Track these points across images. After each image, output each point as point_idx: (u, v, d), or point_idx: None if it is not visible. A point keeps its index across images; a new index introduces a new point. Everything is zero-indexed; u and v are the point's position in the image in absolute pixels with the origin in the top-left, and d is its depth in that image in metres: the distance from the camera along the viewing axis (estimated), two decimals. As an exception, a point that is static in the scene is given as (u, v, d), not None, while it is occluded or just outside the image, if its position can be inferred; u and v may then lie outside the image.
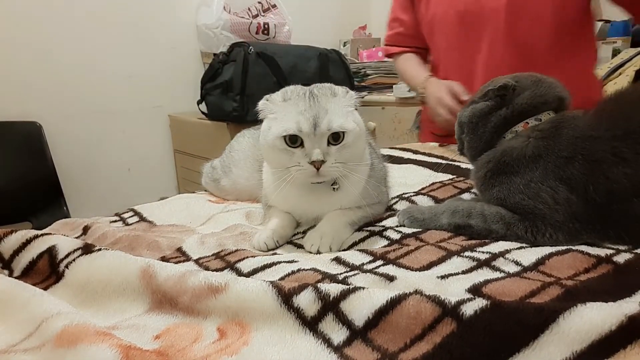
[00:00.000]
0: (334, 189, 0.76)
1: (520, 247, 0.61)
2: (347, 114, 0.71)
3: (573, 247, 0.59)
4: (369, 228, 0.79)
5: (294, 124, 0.68)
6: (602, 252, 0.58)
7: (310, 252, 0.72)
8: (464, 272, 0.58)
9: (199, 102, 2.02)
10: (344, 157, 0.70)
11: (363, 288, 0.49)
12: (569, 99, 0.75)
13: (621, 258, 0.56)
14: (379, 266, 0.62)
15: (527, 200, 0.65)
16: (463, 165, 1.04)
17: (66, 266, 0.63)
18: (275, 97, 0.73)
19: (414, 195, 0.90)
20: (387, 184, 0.89)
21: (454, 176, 1.01)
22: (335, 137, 0.69)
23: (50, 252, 0.66)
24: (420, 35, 1.37)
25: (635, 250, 0.59)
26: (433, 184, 0.97)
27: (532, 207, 0.65)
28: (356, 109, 0.75)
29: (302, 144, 0.69)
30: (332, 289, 0.50)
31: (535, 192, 0.65)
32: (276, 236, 0.76)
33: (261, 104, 0.74)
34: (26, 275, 0.66)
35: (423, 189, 0.95)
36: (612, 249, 0.60)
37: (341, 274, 0.60)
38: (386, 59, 2.69)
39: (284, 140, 0.68)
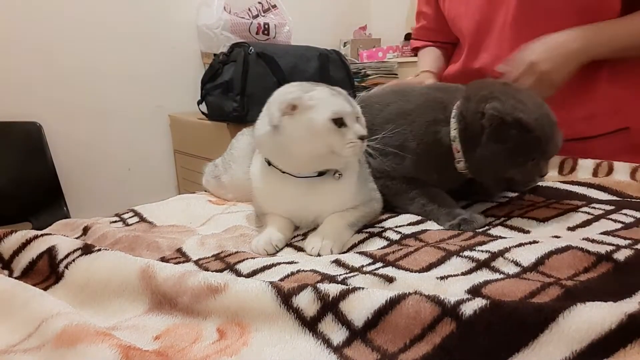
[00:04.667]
0: (338, 176, 0.77)
1: (519, 245, 0.61)
2: None
3: (572, 245, 0.59)
4: (368, 229, 0.79)
5: (339, 105, 0.72)
6: (602, 248, 0.58)
7: (311, 255, 0.72)
8: (463, 274, 0.58)
9: (199, 102, 2.02)
10: (365, 133, 0.75)
11: (362, 288, 0.49)
12: None
13: (621, 255, 0.56)
14: (379, 268, 0.62)
15: None
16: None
17: (66, 266, 0.63)
18: (294, 92, 0.73)
19: None
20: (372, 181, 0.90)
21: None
22: (357, 119, 0.75)
23: (50, 252, 0.66)
24: (444, 28, 1.28)
25: (635, 246, 0.59)
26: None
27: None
28: None
29: (343, 124, 0.72)
30: (332, 289, 0.50)
31: None
32: (275, 241, 0.76)
33: (294, 100, 0.72)
34: (26, 275, 0.66)
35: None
36: (612, 245, 0.60)
37: (340, 275, 0.60)
38: (386, 60, 2.70)
39: (333, 122, 0.71)
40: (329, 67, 2.06)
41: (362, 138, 0.72)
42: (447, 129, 0.79)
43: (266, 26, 2.24)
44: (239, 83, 1.85)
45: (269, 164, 0.79)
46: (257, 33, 2.22)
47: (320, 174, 0.77)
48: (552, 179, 0.99)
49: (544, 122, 0.73)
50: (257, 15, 2.29)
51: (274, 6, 2.33)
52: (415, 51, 1.47)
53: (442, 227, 0.79)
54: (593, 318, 0.41)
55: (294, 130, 0.72)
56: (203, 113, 2.02)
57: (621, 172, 0.96)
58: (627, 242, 0.61)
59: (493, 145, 0.74)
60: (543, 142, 0.73)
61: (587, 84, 1.03)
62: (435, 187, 0.84)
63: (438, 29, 1.32)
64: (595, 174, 0.98)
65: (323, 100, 0.72)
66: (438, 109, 0.82)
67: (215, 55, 2.03)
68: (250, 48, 1.87)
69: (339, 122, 0.71)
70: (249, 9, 2.30)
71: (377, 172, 0.87)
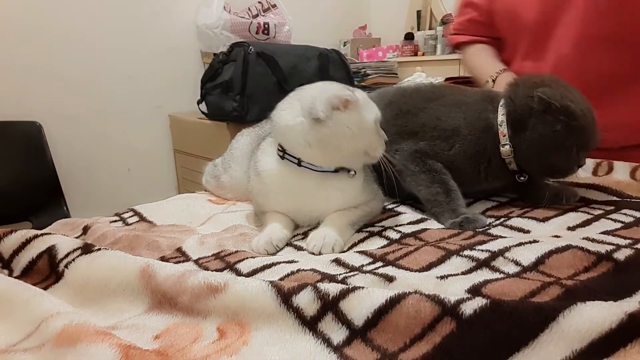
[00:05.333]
0: (352, 175, 0.80)
1: (519, 244, 0.61)
2: None
3: (572, 244, 0.59)
4: (368, 228, 0.79)
5: (377, 110, 0.78)
6: (602, 248, 0.58)
7: (313, 254, 0.72)
8: (463, 273, 0.58)
9: (199, 102, 2.02)
10: None
11: (362, 287, 0.49)
12: None
13: (621, 254, 0.56)
14: (379, 267, 0.62)
15: None
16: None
17: (66, 266, 0.63)
18: (344, 89, 0.76)
19: None
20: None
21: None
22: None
23: (50, 251, 0.66)
24: (495, 22, 1.18)
25: (635, 246, 0.59)
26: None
27: None
28: None
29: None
30: (332, 288, 0.50)
31: None
32: (275, 240, 0.76)
33: (350, 96, 0.74)
34: (26, 275, 0.66)
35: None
36: (612, 244, 0.60)
37: (340, 274, 0.60)
38: (386, 59, 2.70)
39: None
40: (329, 67, 2.06)
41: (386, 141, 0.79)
42: (495, 116, 0.83)
43: (266, 26, 2.24)
44: (238, 83, 1.84)
45: (283, 156, 0.79)
46: (257, 33, 2.22)
47: (336, 170, 0.79)
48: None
49: (589, 115, 0.77)
50: (257, 15, 2.29)
51: (274, 6, 2.33)
52: (457, 47, 1.34)
53: (442, 226, 0.79)
54: (593, 317, 0.41)
55: (343, 125, 0.74)
56: (203, 113, 2.02)
57: (621, 171, 0.96)
58: (627, 241, 0.61)
59: (541, 128, 0.77)
60: (587, 132, 0.77)
61: (622, 93, 1.00)
62: (458, 185, 0.85)
63: (489, 22, 1.20)
64: (595, 172, 0.98)
65: (366, 102, 0.78)
66: (488, 100, 0.87)
67: (215, 54, 2.03)
68: (250, 48, 1.87)
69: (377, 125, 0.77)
70: (249, 9, 2.30)
71: (414, 151, 0.87)
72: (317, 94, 0.76)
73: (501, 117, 0.82)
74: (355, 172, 0.80)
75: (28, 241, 0.68)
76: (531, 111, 0.78)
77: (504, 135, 0.82)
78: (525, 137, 0.79)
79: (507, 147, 0.82)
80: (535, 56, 1.11)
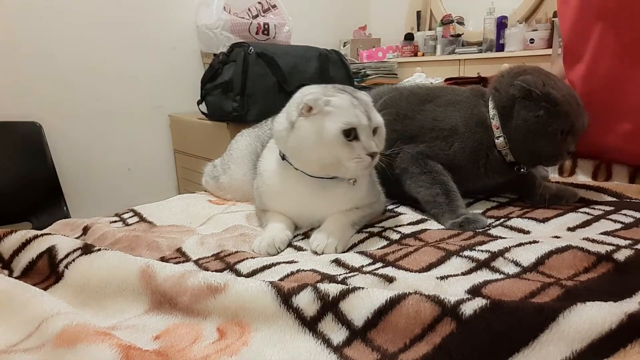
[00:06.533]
0: (353, 183, 0.77)
1: (519, 245, 0.61)
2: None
3: (572, 244, 0.59)
4: (368, 229, 0.79)
5: (354, 117, 0.69)
6: (602, 248, 0.58)
7: (316, 253, 0.72)
8: (463, 273, 0.58)
9: (199, 102, 2.02)
10: (381, 148, 0.73)
11: (362, 288, 0.49)
12: None
13: (621, 255, 0.56)
14: (379, 268, 0.62)
15: None
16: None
17: (66, 266, 0.63)
18: (317, 94, 0.71)
19: None
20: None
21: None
22: (375, 131, 0.72)
23: (50, 252, 0.66)
24: None
25: (635, 246, 0.59)
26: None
27: None
28: None
29: (355, 137, 0.69)
30: (332, 288, 0.50)
31: None
32: (278, 242, 0.75)
33: (310, 102, 0.70)
34: (26, 275, 0.66)
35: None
36: (612, 245, 0.60)
37: (340, 275, 0.60)
38: (386, 59, 2.70)
39: (343, 134, 0.69)
40: (328, 67, 2.06)
41: (372, 155, 0.70)
42: (487, 109, 0.85)
43: (266, 26, 2.24)
44: (238, 83, 1.84)
45: (283, 158, 0.78)
46: (257, 33, 2.22)
47: (334, 175, 0.76)
48: (552, 180, 0.99)
49: (571, 100, 0.79)
50: (257, 15, 2.29)
51: (274, 6, 2.33)
52: None
53: (442, 227, 0.79)
54: (593, 318, 0.41)
55: (305, 133, 0.71)
56: (203, 113, 2.01)
57: (620, 175, 0.96)
58: (627, 242, 0.61)
59: (524, 114, 0.80)
60: (571, 117, 0.78)
61: None
62: (459, 184, 0.85)
63: None
64: (594, 177, 0.98)
65: (340, 109, 0.70)
66: (479, 95, 0.89)
67: (215, 55, 2.03)
68: (250, 48, 1.87)
69: (351, 134, 0.69)
70: (249, 9, 2.30)
71: (416, 153, 0.87)
72: (294, 97, 0.75)
73: (492, 110, 0.84)
74: (355, 180, 0.77)
75: (28, 241, 0.68)
76: (514, 99, 0.81)
77: (497, 128, 0.83)
78: (511, 125, 0.82)
79: (502, 139, 0.83)
80: None
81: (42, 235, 0.70)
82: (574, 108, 0.79)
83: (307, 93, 0.73)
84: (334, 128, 0.69)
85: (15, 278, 0.64)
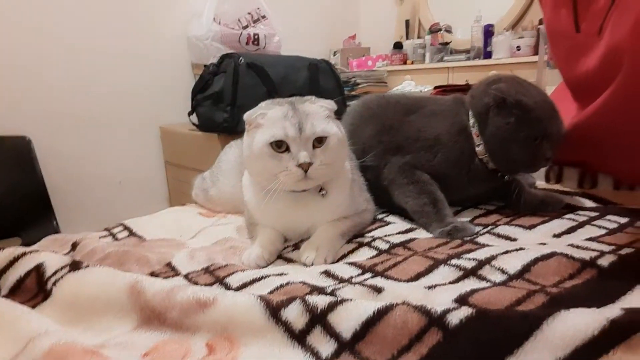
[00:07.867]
0: (322, 194, 0.77)
1: (506, 252, 0.62)
2: (328, 120, 0.74)
3: (557, 251, 0.60)
4: (357, 239, 0.80)
5: (281, 129, 0.70)
6: (586, 254, 0.59)
7: (305, 265, 0.72)
8: (451, 282, 0.58)
9: (189, 114, 2.02)
10: (329, 159, 0.72)
11: (350, 300, 0.50)
12: None
13: (605, 261, 0.57)
14: (368, 278, 0.62)
15: None
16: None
17: (54, 283, 0.62)
18: (257, 109, 0.74)
19: None
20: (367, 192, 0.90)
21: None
22: (319, 141, 0.72)
23: (38, 269, 0.65)
24: None
25: (619, 252, 0.60)
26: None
27: None
28: (338, 118, 0.78)
29: (287, 149, 0.70)
30: (320, 301, 0.50)
31: None
32: (266, 254, 0.75)
33: (246, 117, 0.75)
34: (14, 293, 0.65)
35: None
36: (597, 250, 0.60)
37: (330, 286, 0.60)
38: (376, 68, 2.73)
39: (271, 147, 0.70)
40: (319, 77, 2.07)
41: (303, 166, 0.68)
42: (468, 118, 0.86)
43: (256, 36, 2.26)
44: (229, 94, 1.85)
45: None
46: (247, 43, 2.23)
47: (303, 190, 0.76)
48: (539, 187, 1.00)
49: (544, 106, 0.81)
50: (247, 26, 2.30)
51: (264, 17, 2.34)
52: None
53: (430, 235, 0.79)
54: (577, 325, 0.41)
55: (245, 146, 0.75)
56: (194, 124, 2.02)
57: (604, 183, 0.97)
58: (611, 247, 0.62)
59: (497, 121, 0.81)
60: (543, 122, 0.80)
61: None
62: (446, 193, 0.86)
63: None
64: (580, 185, 1.00)
65: (271, 121, 0.71)
66: (460, 103, 0.90)
67: (205, 66, 2.04)
68: (240, 58, 1.87)
69: (282, 146, 0.70)
70: (239, 20, 2.31)
71: (403, 163, 0.88)
72: None
73: (472, 118, 0.86)
74: (324, 192, 0.77)
75: (16, 259, 0.68)
76: (489, 107, 0.82)
77: (477, 136, 0.85)
78: (487, 132, 0.83)
79: (482, 146, 0.84)
80: None
81: (29, 252, 0.69)
82: (547, 114, 0.80)
83: (255, 108, 0.75)
84: (260, 140, 0.71)
85: (3, 297, 0.64)
